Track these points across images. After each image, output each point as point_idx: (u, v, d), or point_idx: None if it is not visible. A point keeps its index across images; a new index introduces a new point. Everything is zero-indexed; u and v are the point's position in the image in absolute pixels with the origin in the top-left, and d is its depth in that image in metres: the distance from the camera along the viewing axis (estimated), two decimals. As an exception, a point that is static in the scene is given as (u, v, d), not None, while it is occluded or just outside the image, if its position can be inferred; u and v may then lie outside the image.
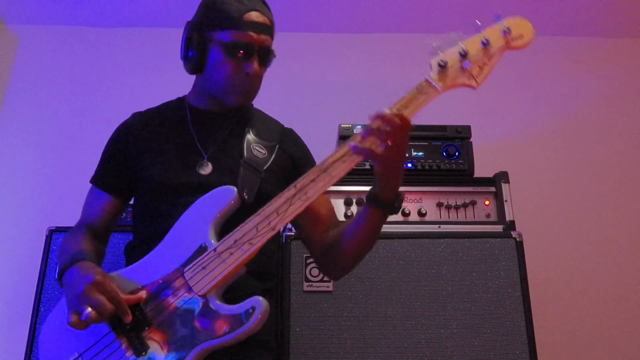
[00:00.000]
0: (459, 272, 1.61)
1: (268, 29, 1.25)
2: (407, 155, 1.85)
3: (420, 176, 1.83)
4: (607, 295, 2.24)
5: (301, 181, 1.07)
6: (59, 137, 2.46)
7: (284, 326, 1.54)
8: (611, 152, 2.49)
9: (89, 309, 1.00)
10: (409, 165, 1.85)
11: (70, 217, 1.33)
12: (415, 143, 1.88)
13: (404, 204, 1.74)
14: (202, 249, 1.08)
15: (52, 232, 1.75)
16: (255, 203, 1.15)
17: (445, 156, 1.86)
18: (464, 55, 1.04)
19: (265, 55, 1.26)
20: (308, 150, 1.42)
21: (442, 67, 1.05)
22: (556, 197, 2.40)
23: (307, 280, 1.60)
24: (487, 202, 1.77)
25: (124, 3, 2.52)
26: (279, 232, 1.08)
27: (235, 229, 1.08)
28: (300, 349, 1.52)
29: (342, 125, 1.90)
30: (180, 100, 1.39)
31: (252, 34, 1.21)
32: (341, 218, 1.75)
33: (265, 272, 1.25)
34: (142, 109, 1.40)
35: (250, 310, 1.01)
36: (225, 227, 1.12)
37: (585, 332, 2.19)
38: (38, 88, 2.55)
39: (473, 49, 1.05)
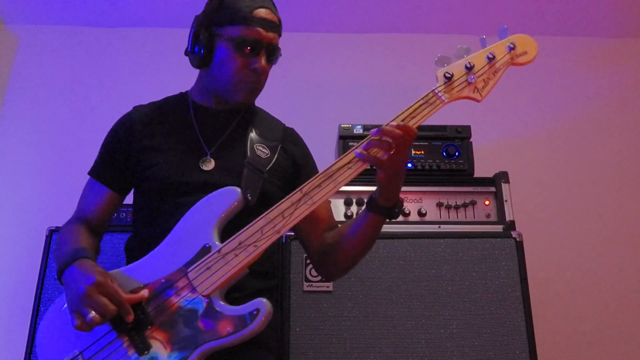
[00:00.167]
0: (459, 272, 1.61)
1: (276, 27, 1.26)
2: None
3: (420, 176, 1.83)
4: (607, 295, 2.24)
5: (307, 185, 1.08)
6: (59, 137, 2.46)
7: (284, 326, 1.54)
8: (611, 152, 2.49)
9: (93, 313, 1.00)
10: (409, 165, 1.85)
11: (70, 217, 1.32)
12: (415, 143, 1.87)
13: (404, 204, 1.75)
14: (206, 250, 1.08)
15: (52, 232, 1.75)
16: (257, 204, 1.16)
17: (445, 156, 1.86)
18: (469, 69, 1.08)
19: (272, 52, 1.27)
20: (308, 150, 1.42)
21: (448, 79, 1.08)
22: (556, 197, 2.40)
23: (307, 280, 1.60)
24: (487, 202, 1.77)
25: (124, 3, 2.52)
26: None
27: (240, 231, 1.08)
28: (300, 349, 1.52)
29: (342, 125, 1.90)
30: (183, 95, 1.39)
31: (261, 30, 1.22)
32: (341, 218, 1.75)
33: (266, 271, 1.25)
34: (142, 108, 1.39)
35: (255, 312, 1.02)
36: (227, 227, 1.12)
37: (585, 332, 2.19)
38: (38, 88, 2.55)
39: (479, 63, 1.09)
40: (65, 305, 1.10)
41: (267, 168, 1.26)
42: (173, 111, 1.34)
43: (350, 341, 1.54)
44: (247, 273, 1.09)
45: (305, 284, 1.59)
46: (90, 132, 2.42)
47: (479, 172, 1.87)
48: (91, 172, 1.32)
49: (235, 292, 1.11)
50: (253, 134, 1.31)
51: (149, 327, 1.05)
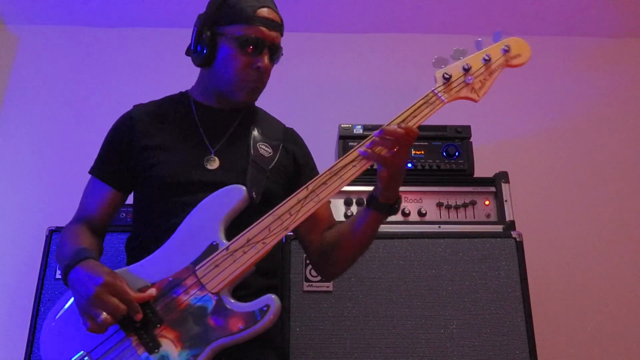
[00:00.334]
0: (459, 272, 1.61)
1: (278, 26, 1.27)
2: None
3: (420, 176, 1.83)
4: (607, 295, 2.24)
5: (313, 183, 1.10)
6: (59, 137, 2.46)
7: (284, 326, 1.54)
8: (611, 152, 2.49)
9: (104, 314, 1.00)
10: (409, 165, 1.85)
11: (70, 217, 1.32)
12: (416, 143, 1.87)
13: (404, 204, 1.76)
14: (213, 247, 1.09)
15: (52, 232, 1.74)
16: (260, 202, 1.17)
17: (445, 156, 1.86)
18: (467, 70, 1.13)
19: (275, 52, 1.27)
20: (308, 150, 1.43)
21: (447, 79, 1.12)
22: (556, 197, 2.40)
23: (307, 280, 1.60)
24: (487, 202, 1.77)
25: (124, 3, 2.52)
26: None
27: (248, 228, 1.09)
28: (300, 349, 1.52)
29: (342, 125, 1.90)
30: (184, 95, 1.39)
31: (264, 29, 1.23)
32: (341, 218, 1.75)
33: (270, 269, 1.26)
34: (143, 108, 1.39)
35: (265, 308, 1.04)
36: (229, 225, 1.13)
37: (585, 331, 2.19)
38: (38, 88, 2.55)
39: (476, 64, 1.13)
40: (68, 304, 1.10)
41: (270, 167, 1.27)
42: (175, 110, 1.34)
43: (350, 341, 1.54)
44: (253, 271, 1.10)
45: (305, 284, 1.60)
46: (90, 132, 2.42)
47: (479, 172, 1.87)
48: (92, 171, 1.32)
49: (241, 289, 1.11)
50: (255, 133, 1.32)
51: (158, 325, 1.05)
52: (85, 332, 1.04)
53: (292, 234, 1.64)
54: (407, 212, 1.76)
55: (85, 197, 1.31)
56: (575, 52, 2.66)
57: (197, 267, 1.08)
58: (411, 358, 1.52)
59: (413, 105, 1.11)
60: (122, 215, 1.77)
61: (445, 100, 1.11)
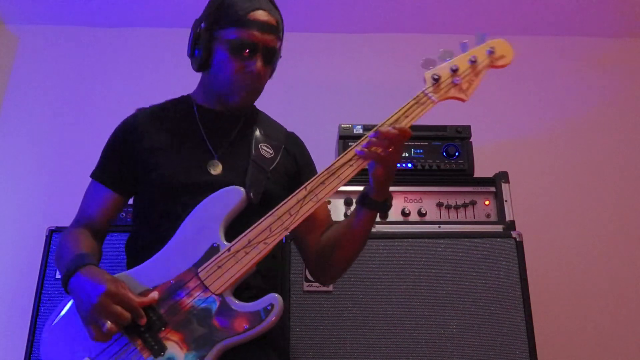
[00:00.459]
0: (459, 272, 1.61)
1: (273, 29, 1.25)
2: (406, 155, 1.87)
3: (420, 176, 1.83)
4: (607, 295, 2.24)
5: (311, 183, 1.11)
6: (58, 137, 2.46)
7: (284, 326, 1.54)
8: (611, 152, 2.49)
9: (109, 323, 0.99)
10: (409, 165, 1.85)
11: (70, 217, 1.32)
12: (415, 143, 1.88)
13: (404, 204, 1.76)
14: (214, 249, 1.09)
15: (52, 232, 1.74)
16: (259, 203, 1.18)
17: (445, 156, 1.86)
18: (454, 71, 1.16)
19: (269, 54, 1.26)
20: (309, 155, 1.44)
21: (436, 80, 1.16)
22: (556, 197, 2.40)
23: (307, 280, 1.60)
24: (487, 202, 1.77)
25: (124, 3, 2.52)
26: None
27: (249, 229, 1.10)
28: (300, 349, 1.52)
29: (342, 125, 1.90)
30: (186, 98, 1.39)
31: (256, 32, 1.22)
32: (341, 218, 1.75)
33: (270, 269, 1.26)
34: (143, 108, 1.39)
35: (269, 307, 1.05)
36: (228, 226, 1.13)
37: (585, 332, 2.19)
38: (38, 88, 2.55)
39: (462, 65, 1.17)
40: (68, 308, 1.10)
41: (271, 167, 1.27)
42: (177, 114, 1.34)
43: (350, 341, 1.54)
44: (254, 271, 1.10)
45: (305, 284, 1.59)
46: (90, 132, 2.43)
47: (479, 172, 1.87)
48: (93, 175, 1.31)
49: (244, 290, 1.12)
50: (257, 133, 1.32)
51: (163, 328, 1.05)
52: (87, 337, 1.03)
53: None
54: (407, 212, 1.76)
55: (85, 200, 1.31)
56: (575, 52, 2.66)
57: (199, 269, 1.08)
58: (411, 358, 1.52)
59: (405, 106, 1.14)
60: (122, 215, 1.77)
61: (436, 100, 1.14)
